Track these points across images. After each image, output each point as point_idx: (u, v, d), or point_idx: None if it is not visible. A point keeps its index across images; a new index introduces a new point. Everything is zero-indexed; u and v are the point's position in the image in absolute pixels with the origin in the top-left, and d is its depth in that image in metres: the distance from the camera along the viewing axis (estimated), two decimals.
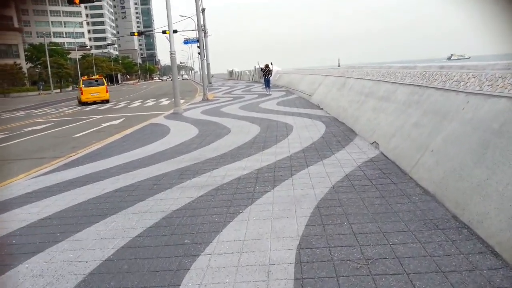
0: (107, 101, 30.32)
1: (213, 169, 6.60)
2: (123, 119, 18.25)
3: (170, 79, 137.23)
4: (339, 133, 9.12)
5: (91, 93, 29.55)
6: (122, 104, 29.12)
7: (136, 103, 29.01)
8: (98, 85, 30.27)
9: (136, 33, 41.82)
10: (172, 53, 16.92)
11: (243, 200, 4.87)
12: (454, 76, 5.80)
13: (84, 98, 29.32)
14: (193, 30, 32.96)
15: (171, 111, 17.82)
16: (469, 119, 4.68)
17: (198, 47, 27.90)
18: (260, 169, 6.40)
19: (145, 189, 5.77)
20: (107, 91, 30.44)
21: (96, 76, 33.22)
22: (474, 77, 5.20)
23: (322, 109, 14.53)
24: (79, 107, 28.14)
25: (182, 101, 26.48)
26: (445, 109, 5.48)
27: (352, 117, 10.20)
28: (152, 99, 32.03)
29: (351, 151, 7.14)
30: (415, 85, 7.18)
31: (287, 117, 12.93)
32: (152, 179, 6.28)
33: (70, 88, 78.22)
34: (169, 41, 16.68)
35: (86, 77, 32.52)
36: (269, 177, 5.84)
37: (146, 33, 71.13)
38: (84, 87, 29.68)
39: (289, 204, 4.61)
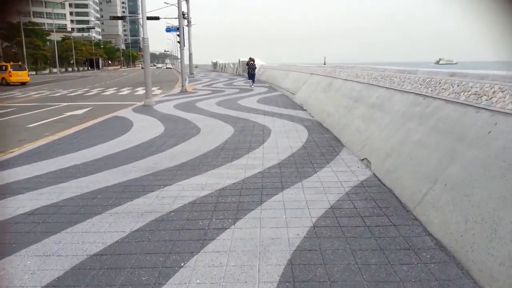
0: (24, 83, 36.23)
1: (164, 186, 5.26)
2: (90, 108, 16.69)
3: (151, 67, 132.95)
4: (323, 143, 7.86)
5: (18, 75, 35.95)
6: (94, 91, 27.46)
7: (110, 91, 27.37)
8: (22, 70, 37.11)
9: (115, 17, 39.74)
10: (144, 40, 15.39)
11: (189, 244, 3.55)
12: (471, 87, 4.58)
13: (13, 79, 35.51)
14: (175, 18, 31.29)
15: (142, 102, 16.33)
16: (500, 149, 3.46)
17: (178, 35, 26.29)
18: (223, 189, 5.09)
19: (68, 212, 4.40)
20: (28, 75, 37.29)
21: (20, 63, 41.07)
22: (502, 91, 3.98)
23: (305, 110, 13.28)
24: (47, 92, 26.30)
25: (159, 91, 25.06)
26: (461, 130, 4.26)
27: (338, 124, 8.96)
28: (129, 88, 30.34)
29: (337, 169, 5.88)
30: (416, 93, 5.97)
31: (266, 117, 11.64)
32: (84, 197, 4.90)
33: (47, 71, 75.08)
34: (142, 26, 15.16)
35: (12, 63, 39.17)
36: (232, 204, 4.53)
37: (127, 18, 68.78)
38: (13, 70, 35.86)
39: (251, 255, 3.32)
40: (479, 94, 4.33)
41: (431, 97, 5.42)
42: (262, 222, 3.98)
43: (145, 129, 10.01)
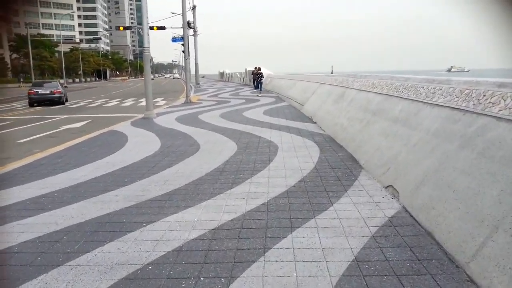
0: None
1: (147, 224, 4.30)
2: (88, 121, 15.93)
3: (158, 77, 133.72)
4: (338, 164, 6.86)
5: None
6: (98, 103, 26.86)
7: (114, 102, 26.72)
8: None
9: (121, 28, 39.29)
10: (145, 49, 14.61)
11: None
12: None
13: None
14: (181, 27, 30.67)
15: (142, 115, 15.48)
16: None
17: (183, 45, 25.62)
18: (219, 229, 4.11)
19: (20, 263, 3.45)
20: None
21: None
22: None
23: (315, 122, 12.30)
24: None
25: (163, 102, 24.28)
26: None
27: (353, 140, 7.97)
28: (133, 98, 29.66)
29: (357, 201, 4.87)
30: (452, 107, 4.97)
31: (272, 131, 10.67)
32: (46, 239, 3.95)
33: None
34: (142, 35, 14.37)
35: None
36: (227, 252, 3.55)
37: (135, 29, 68.74)
38: None
39: None
40: None
41: (474, 112, 4.42)
42: (266, 285, 2.98)
43: (139, 146, 9.10)
